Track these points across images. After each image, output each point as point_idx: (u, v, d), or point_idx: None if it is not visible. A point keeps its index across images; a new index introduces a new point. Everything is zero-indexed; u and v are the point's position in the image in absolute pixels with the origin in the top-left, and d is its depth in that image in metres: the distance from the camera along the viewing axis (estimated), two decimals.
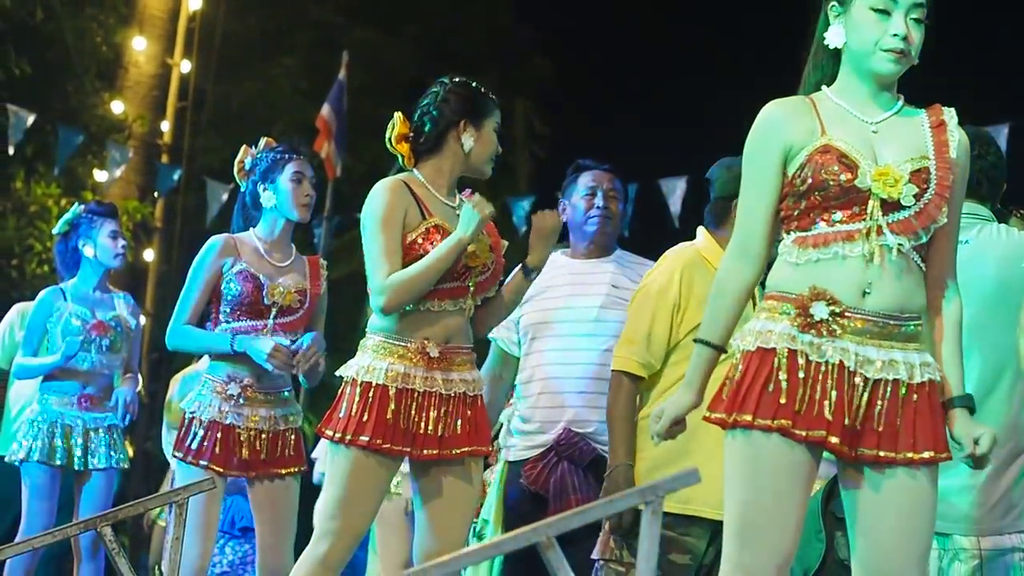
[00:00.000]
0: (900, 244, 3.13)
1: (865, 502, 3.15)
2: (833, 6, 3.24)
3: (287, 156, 4.95)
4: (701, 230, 4.49)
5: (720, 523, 3.22)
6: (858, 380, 3.09)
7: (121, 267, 6.22)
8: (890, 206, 3.12)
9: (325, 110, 12.39)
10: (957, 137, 3.22)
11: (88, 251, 6.02)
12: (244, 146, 5.06)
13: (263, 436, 4.83)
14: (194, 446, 4.80)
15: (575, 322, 4.85)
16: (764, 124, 3.23)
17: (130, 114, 13.59)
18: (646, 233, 5.19)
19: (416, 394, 4.05)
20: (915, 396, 3.12)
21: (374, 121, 8.74)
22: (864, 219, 3.12)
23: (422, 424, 4.05)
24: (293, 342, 4.87)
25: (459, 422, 4.10)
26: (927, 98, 3.33)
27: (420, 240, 4.07)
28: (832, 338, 3.10)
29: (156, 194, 13.66)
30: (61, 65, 13.19)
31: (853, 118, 3.21)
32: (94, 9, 13.49)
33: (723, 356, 3.28)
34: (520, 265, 4.30)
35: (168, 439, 6.71)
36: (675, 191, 10.90)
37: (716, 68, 16.42)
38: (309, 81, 14.92)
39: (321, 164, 11.89)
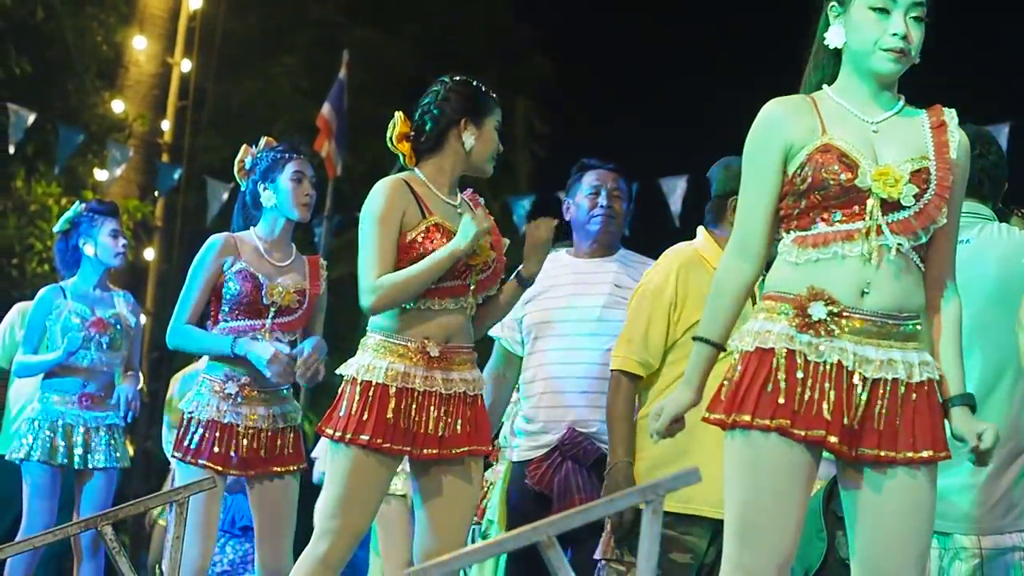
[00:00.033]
0: (899, 244, 3.13)
1: (864, 502, 3.15)
2: (833, 6, 3.24)
3: (287, 155, 4.95)
4: (701, 229, 4.50)
5: (721, 522, 3.22)
6: (857, 380, 3.09)
7: (121, 266, 6.22)
8: (890, 206, 3.12)
9: (325, 109, 12.40)
10: (957, 138, 3.22)
11: (89, 250, 6.02)
12: (244, 145, 5.05)
13: (262, 434, 4.83)
14: (193, 446, 4.80)
15: (577, 321, 4.84)
16: (765, 122, 3.23)
17: (130, 113, 13.59)
18: (646, 232, 5.18)
19: (416, 393, 4.05)
20: (914, 395, 3.12)
21: (374, 120, 8.75)
22: (864, 219, 3.12)
23: (422, 423, 4.05)
24: (293, 343, 4.87)
25: (459, 422, 4.10)
26: (928, 97, 3.33)
27: (420, 239, 4.07)
28: (830, 338, 3.10)
29: (156, 193, 13.66)
30: (61, 64, 13.19)
31: (854, 117, 3.21)
32: (94, 8, 13.50)
33: (722, 354, 3.28)
34: (515, 274, 4.30)
35: (169, 438, 6.71)
36: (675, 190, 10.90)
37: (716, 67, 16.42)
38: (309, 80, 14.92)
39: (321, 163, 11.89)
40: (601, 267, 4.92)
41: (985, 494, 3.73)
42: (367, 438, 4.00)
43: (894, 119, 3.23)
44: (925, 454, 3.10)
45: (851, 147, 3.14)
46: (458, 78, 4.25)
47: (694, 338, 3.27)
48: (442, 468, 4.13)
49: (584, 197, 4.95)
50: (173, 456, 4.96)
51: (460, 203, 4.23)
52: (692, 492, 3.24)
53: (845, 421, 3.07)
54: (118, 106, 13.50)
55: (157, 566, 7.88)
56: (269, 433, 4.84)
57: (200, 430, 4.81)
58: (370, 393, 4.03)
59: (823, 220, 3.15)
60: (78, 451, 5.95)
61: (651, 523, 2.62)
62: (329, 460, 4.14)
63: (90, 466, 5.97)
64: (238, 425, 4.80)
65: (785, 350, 3.09)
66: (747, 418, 3.08)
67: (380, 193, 4.11)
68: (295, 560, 4.16)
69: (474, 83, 4.25)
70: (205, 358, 5.21)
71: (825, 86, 3.27)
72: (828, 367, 3.08)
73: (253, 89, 14.95)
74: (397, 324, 4.09)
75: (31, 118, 11.49)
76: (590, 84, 17.34)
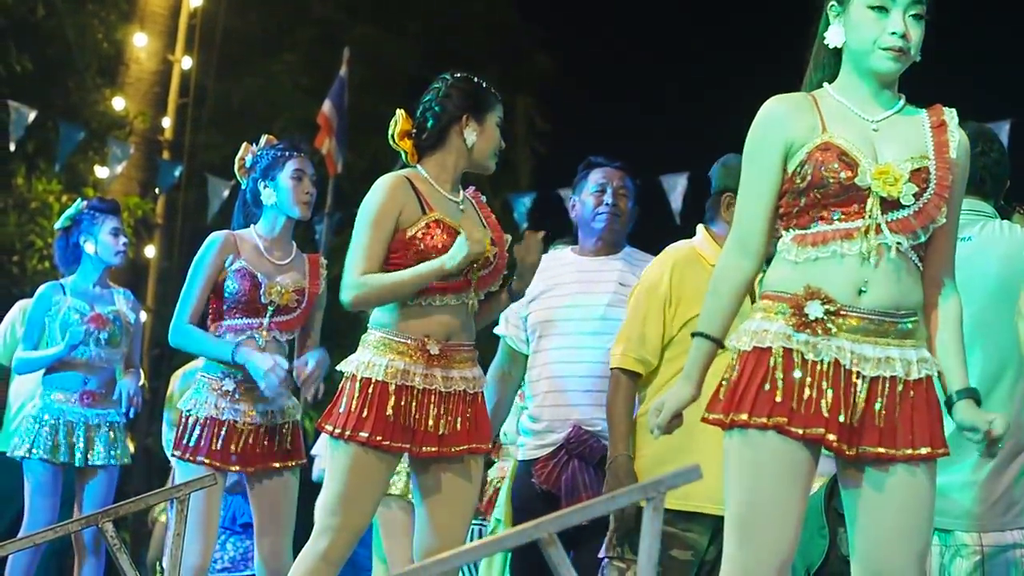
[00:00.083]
0: (899, 243, 3.13)
1: (865, 500, 3.15)
2: (832, 5, 3.24)
3: (287, 153, 4.95)
4: (700, 227, 4.51)
5: (722, 518, 3.22)
6: (855, 378, 3.09)
7: (121, 265, 6.23)
8: (889, 205, 3.12)
9: (326, 106, 12.38)
10: (957, 137, 3.22)
11: (89, 248, 6.02)
12: (245, 143, 5.06)
13: (261, 431, 4.83)
14: (192, 443, 4.81)
15: (581, 320, 4.84)
16: (765, 120, 3.23)
17: (131, 110, 13.58)
18: (647, 230, 5.17)
19: (416, 391, 4.05)
20: (912, 393, 3.12)
21: (375, 118, 8.75)
22: (863, 217, 3.12)
23: (422, 421, 4.05)
24: (291, 342, 4.87)
25: (459, 420, 4.10)
26: (929, 95, 3.33)
27: (420, 235, 4.07)
28: (827, 337, 3.10)
29: (157, 190, 13.66)
30: (62, 61, 13.18)
31: (854, 116, 3.21)
32: (95, 6, 13.49)
33: (720, 351, 3.28)
34: (507, 287, 4.29)
35: (169, 436, 6.71)
36: (676, 187, 10.89)
37: (717, 65, 16.41)
38: (310, 77, 14.91)
39: (322, 160, 11.88)
40: (606, 265, 4.92)
41: (986, 491, 3.73)
42: (366, 435, 4.00)
43: (894, 118, 3.23)
44: (924, 451, 3.10)
45: (851, 145, 3.14)
46: (459, 75, 4.25)
47: (693, 334, 3.27)
48: (441, 466, 4.13)
49: (589, 195, 4.95)
50: (173, 455, 4.96)
51: (463, 200, 4.23)
52: (692, 489, 3.23)
53: (843, 419, 3.08)
54: (119, 103, 13.50)
55: (158, 563, 7.88)
56: (268, 429, 4.85)
57: (199, 428, 4.81)
58: (370, 390, 4.03)
59: (822, 219, 3.15)
60: (79, 448, 5.95)
61: (652, 520, 2.62)
62: (329, 457, 4.15)
63: (91, 463, 5.98)
64: (237, 422, 4.81)
65: (782, 349, 3.10)
66: (744, 417, 3.08)
67: (378, 190, 4.11)
68: (295, 557, 4.16)
69: (475, 80, 4.25)
70: None
71: (826, 84, 3.28)
72: (826, 366, 3.08)
73: (254, 86, 14.94)
74: (398, 321, 4.09)
75: (32, 115, 11.49)
76: (591, 82, 17.33)
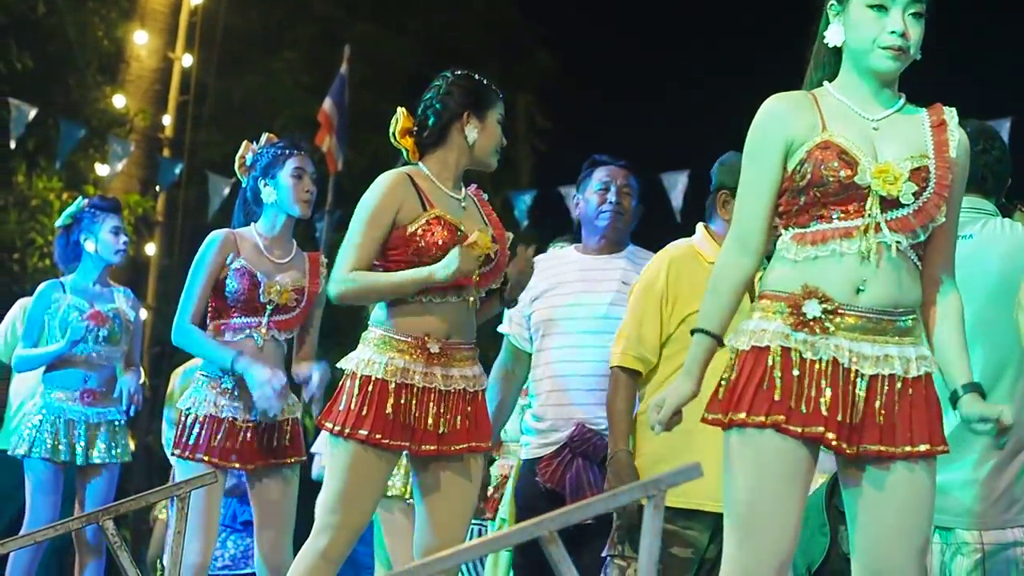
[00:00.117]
0: (898, 242, 3.13)
1: (865, 498, 3.15)
2: (832, 4, 3.24)
3: (288, 152, 4.95)
4: (700, 226, 4.52)
5: (722, 516, 3.22)
6: (854, 377, 3.09)
7: (122, 263, 6.23)
8: (889, 203, 3.12)
9: (327, 104, 12.38)
10: (957, 137, 3.22)
11: (89, 246, 6.02)
12: (245, 142, 5.06)
13: (260, 428, 4.83)
14: (191, 441, 4.81)
15: (584, 319, 4.83)
16: (766, 118, 3.23)
17: (132, 108, 13.58)
18: (647, 228, 5.18)
19: (416, 389, 4.05)
20: (911, 390, 3.12)
21: (375, 115, 8.75)
22: (863, 216, 3.12)
23: (421, 420, 4.05)
24: (289, 341, 4.87)
25: (459, 418, 4.09)
26: (929, 93, 3.33)
27: (420, 232, 4.07)
28: (825, 335, 3.10)
29: (158, 188, 13.66)
30: (63, 59, 13.17)
31: (854, 115, 3.21)
32: (95, 3, 13.48)
33: (720, 348, 3.28)
34: (500, 294, 4.28)
35: (169, 435, 6.71)
36: (677, 185, 10.90)
37: (718, 63, 16.41)
38: (310, 75, 14.90)
39: (322, 158, 11.88)
40: (609, 264, 4.92)
41: (987, 489, 3.73)
42: (366, 433, 4.00)
43: (895, 117, 3.23)
44: (922, 448, 3.10)
45: (851, 144, 3.14)
46: (460, 72, 4.25)
47: (693, 330, 3.26)
48: (441, 465, 4.13)
49: (593, 193, 4.94)
50: (172, 454, 4.96)
51: (464, 197, 4.23)
52: (692, 487, 3.23)
53: (840, 417, 3.08)
54: (119, 101, 13.49)
55: (158, 561, 7.89)
56: (267, 427, 4.85)
57: (198, 426, 4.81)
58: (369, 388, 4.03)
59: (822, 217, 3.15)
60: (80, 447, 5.95)
61: (653, 518, 2.62)
62: (329, 455, 4.15)
63: (92, 462, 5.98)
64: (236, 419, 4.81)
65: (780, 348, 3.10)
66: (743, 416, 3.09)
67: (377, 188, 4.11)
68: (295, 554, 4.16)
69: (476, 77, 4.25)
70: None
71: (826, 83, 3.27)
72: (824, 364, 3.08)
73: (254, 84, 14.94)
74: (398, 319, 4.09)
75: (32, 113, 11.49)
76: (591, 79, 17.33)
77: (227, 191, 12.32)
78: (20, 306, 6.75)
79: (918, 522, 3.13)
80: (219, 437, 4.79)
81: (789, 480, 3.09)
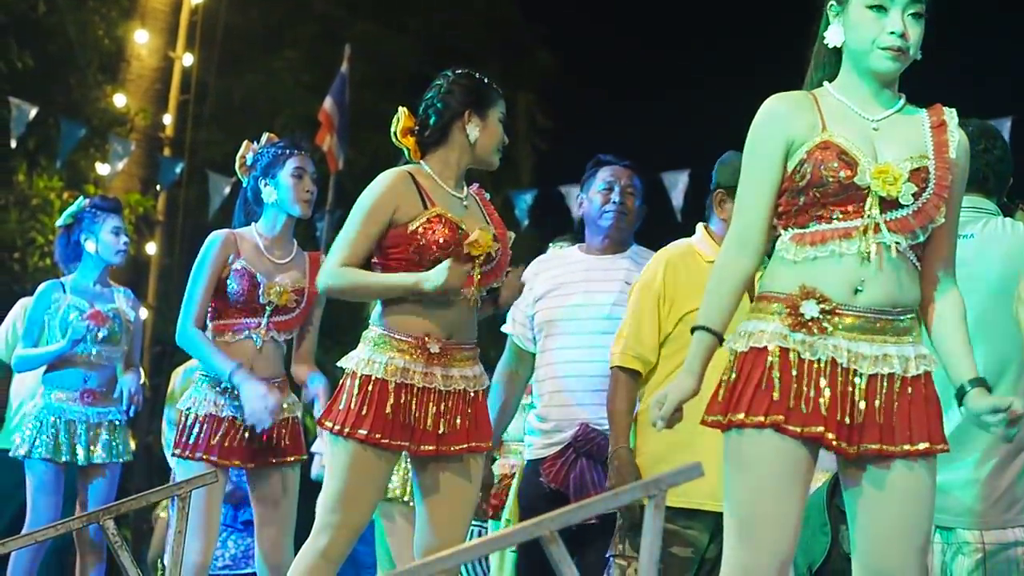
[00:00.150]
0: (897, 242, 3.13)
1: (865, 497, 3.15)
2: (832, 5, 3.24)
3: (288, 152, 4.95)
4: (700, 225, 4.53)
5: (722, 516, 3.23)
6: (853, 376, 3.09)
7: (122, 264, 6.23)
8: (888, 204, 3.12)
9: (327, 103, 12.38)
10: (957, 137, 3.22)
11: (90, 246, 6.02)
12: (246, 141, 5.06)
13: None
14: (191, 440, 4.81)
15: (587, 319, 4.83)
16: (767, 117, 3.23)
17: (132, 107, 13.58)
18: (648, 227, 5.18)
19: (415, 389, 4.05)
20: (910, 389, 3.11)
21: (376, 114, 8.75)
22: (862, 217, 3.12)
23: (421, 420, 4.05)
24: (288, 342, 4.88)
25: (458, 419, 4.09)
26: (930, 92, 3.33)
27: (421, 229, 4.06)
28: (823, 336, 3.10)
29: (158, 187, 13.66)
30: (63, 58, 13.17)
31: (854, 115, 3.21)
32: (96, 2, 13.48)
33: (720, 345, 3.28)
34: (492, 298, 4.29)
35: (170, 436, 6.71)
36: (677, 184, 10.90)
37: (719, 62, 16.41)
38: (311, 74, 14.91)
39: (323, 157, 11.89)
40: (613, 264, 4.92)
41: (988, 489, 3.73)
42: (365, 432, 4.00)
43: (895, 117, 3.23)
44: (922, 446, 3.10)
45: (851, 144, 3.14)
46: (461, 71, 4.25)
47: (693, 328, 3.25)
48: (440, 465, 4.13)
49: (597, 192, 4.94)
50: (173, 454, 4.96)
51: (466, 196, 4.23)
52: (692, 486, 3.24)
53: (840, 417, 3.08)
54: (120, 100, 13.49)
55: (159, 560, 7.88)
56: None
57: (198, 425, 4.82)
58: (369, 387, 4.03)
59: (821, 218, 3.15)
60: (81, 447, 5.95)
61: (654, 518, 2.62)
62: (329, 454, 4.15)
63: (93, 461, 5.98)
64: (236, 418, 4.81)
65: (779, 349, 3.10)
66: (742, 416, 3.08)
67: (377, 184, 4.12)
68: (296, 553, 4.17)
69: (477, 75, 4.25)
70: None
71: (826, 83, 3.27)
72: (822, 364, 3.08)
73: (255, 83, 14.94)
74: (399, 318, 4.08)
75: (33, 112, 11.49)
76: (592, 78, 17.33)
77: (228, 190, 12.32)
78: (21, 306, 6.75)
79: (919, 521, 3.13)
80: (219, 436, 4.79)
81: (789, 480, 3.09)
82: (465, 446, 4.10)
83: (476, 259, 4.11)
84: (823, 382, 3.07)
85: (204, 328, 4.89)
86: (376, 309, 4.18)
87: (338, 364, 4.19)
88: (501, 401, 4.96)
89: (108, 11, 13.57)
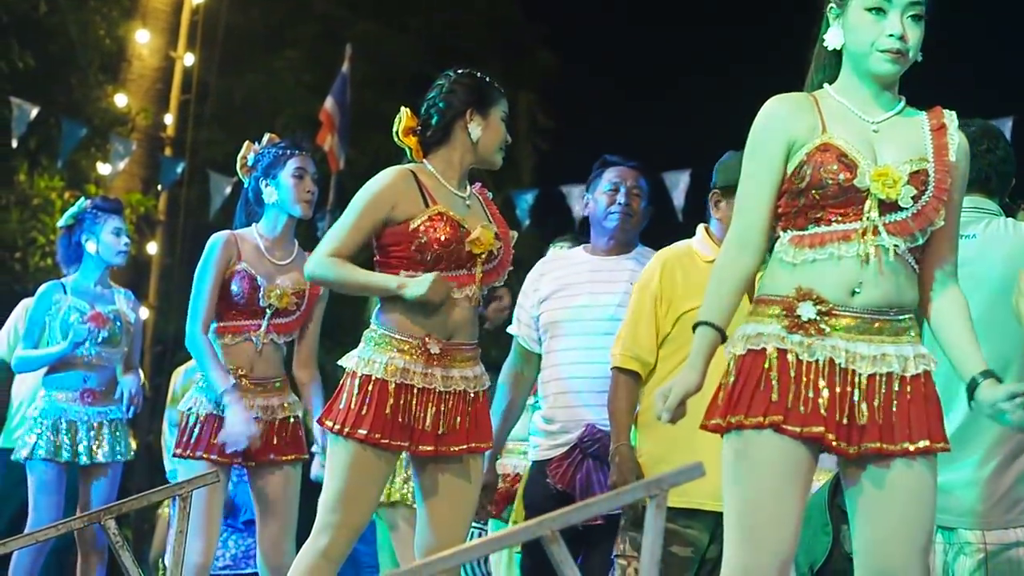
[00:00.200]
0: (896, 245, 3.12)
1: (866, 497, 3.15)
2: (832, 7, 3.24)
3: (289, 152, 4.95)
4: (700, 226, 4.53)
5: (723, 516, 3.23)
6: (851, 376, 3.09)
7: (123, 265, 6.22)
8: (888, 207, 3.12)
9: (328, 103, 12.38)
10: (957, 140, 3.22)
11: (91, 247, 6.02)
12: (247, 142, 5.07)
13: (261, 425, 4.83)
14: (192, 439, 4.81)
15: (592, 320, 4.82)
16: (767, 118, 3.23)
17: (133, 107, 13.58)
18: (649, 227, 5.18)
19: (415, 390, 4.05)
20: (909, 388, 3.11)
21: (377, 114, 8.76)
22: (861, 219, 3.12)
23: (420, 420, 4.05)
24: (289, 344, 4.88)
25: (458, 419, 4.09)
26: (930, 92, 3.33)
27: (423, 227, 4.06)
28: (821, 337, 3.10)
29: (159, 187, 13.65)
30: (64, 58, 13.17)
31: (854, 117, 3.20)
32: (97, 2, 13.47)
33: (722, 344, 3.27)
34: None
35: (170, 439, 6.71)
36: (678, 184, 10.90)
37: (720, 62, 16.41)
38: (312, 74, 14.90)
39: (324, 157, 11.89)
40: (618, 265, 4.91)
41: (990, 489, 3.73)
42: (365, 432, 4.00)
43: (895, 119, 3.22)
44: (922, 444, 3.10)
45: (850, 147, 3.14)
46: (463, 71, 4.25)
47: (695, 325, 3.23)
48: (440, 465, 4.13)
49: (603, 193, 4.94)
50: (174, 455, 4.96)
51: (469, 195, 4.23)
52: (692, 486, 3.24)
53: (839, 418, 3.08)
54: (121, 100, 13.49)
55: (160, 560, 7.88)
56: (268, 424, 4.85)
57: (200, 425, 4.82)
58: (369, 387, 4.03)
59: (820, 220, 3.14)
60: (82, 447, 5.96)
61: (655, 517, 2.62)
62: (329, 454, 4.15)
63: (94, 461, 5.98)
64: None
65: (776, 350, 3.10)
66: (740, 418, 3.08)
67: (378, 180, 4.12)
68: (296, 552, 4.17)
69: (479, 75, 4.25)
70: None
71: (826, 85, 3.27)
72: (821, 365, 3.08)
73: (256, 83, 14.94)
74: (400, 317, 4.08)
75: (34, 112, 11.48)
76: (593, 78, 17.33)
77: (229, 190, 12.32)
78: (23, 307, 6.75)
79: (920, 521, 3.13)
80: (219, 435, 4.79)
81: (789, 480, 3.09)
82: (465, 447, 4.10)
83: (478, 257, 4.11)
84: (821, 383, 3.07)
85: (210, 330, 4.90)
86: (377, 308, 4.17)
87: (338, 363, 4.20)
88: (507, 402, 4.96)
89: (109, 11, 13.56)
